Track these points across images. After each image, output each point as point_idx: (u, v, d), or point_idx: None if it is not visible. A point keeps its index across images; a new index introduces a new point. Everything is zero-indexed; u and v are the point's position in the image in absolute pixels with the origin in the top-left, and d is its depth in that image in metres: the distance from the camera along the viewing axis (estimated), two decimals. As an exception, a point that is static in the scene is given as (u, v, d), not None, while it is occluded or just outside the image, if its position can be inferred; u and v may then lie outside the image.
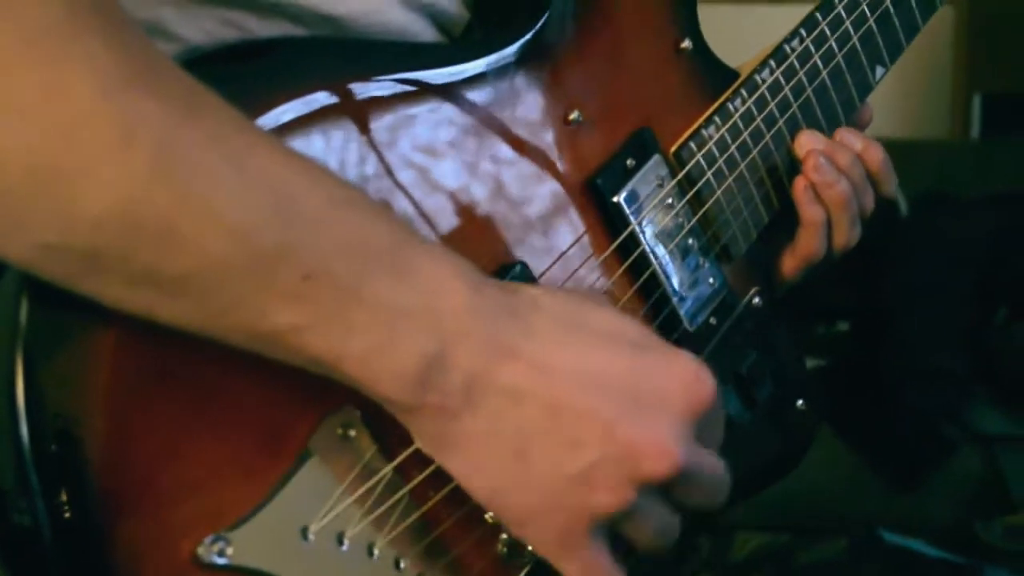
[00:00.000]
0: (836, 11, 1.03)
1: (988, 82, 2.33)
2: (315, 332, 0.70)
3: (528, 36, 0.89)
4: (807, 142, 1.01)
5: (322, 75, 0.80)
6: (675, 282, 0.95)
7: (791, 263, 1.03)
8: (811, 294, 1.08)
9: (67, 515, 0.71)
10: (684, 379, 0.78)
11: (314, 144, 0.78)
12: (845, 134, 1.03)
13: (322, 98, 0.79)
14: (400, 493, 0.80)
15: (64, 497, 0.71)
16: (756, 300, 1.02)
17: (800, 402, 1.06)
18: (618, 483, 0.75)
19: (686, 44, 0.98)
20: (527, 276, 0.87)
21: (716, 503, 0.81)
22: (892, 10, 1.06)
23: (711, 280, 0.98)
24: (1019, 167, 2.14)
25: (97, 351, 0.72)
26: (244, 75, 0.78)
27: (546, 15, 0.90)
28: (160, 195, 0.66)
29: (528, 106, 0.88)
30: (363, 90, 0.81)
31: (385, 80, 0.82)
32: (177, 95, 0.68)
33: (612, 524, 0.77)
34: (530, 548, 0.83)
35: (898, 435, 1.93)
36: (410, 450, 0.79)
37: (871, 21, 1.05)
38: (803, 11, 1.03)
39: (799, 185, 1.00)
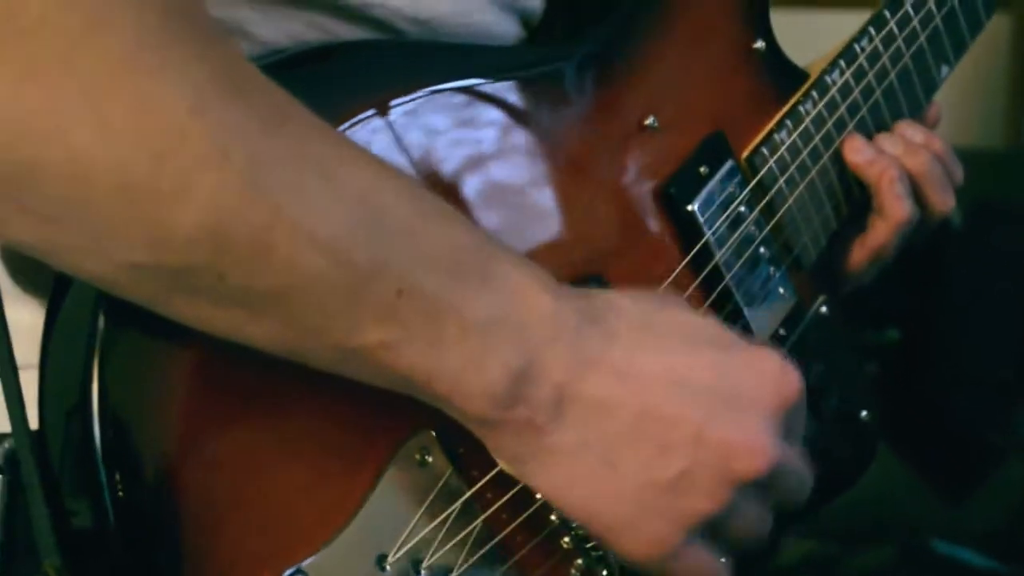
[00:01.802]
0: (904, 9, 1.01)
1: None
2: (407, 348, 0.69)
3: (603, 37, 0.87)
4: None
5: (395, 81, 0.79)
6: (746, 293, 0.94)
7: (861, 262, 1.02)
8: (862, 300, 1.06)
9: (139, 544, 0.70)
10: (771, 375, 0.76)
11: (388, 154, 0.76)
12: (906, 126, 1.01)
13: (395, 105, 0.77)
14: (478, 520, 0.79)
15: (133, 518, 0.70)
16: (823, 309, 1.00)
17: (864, 413, 1.04)
18: (713, 485, 0.74)
19: (759, 44, 0.95)
20: (603, 287, 0.84)
21: (803, 499, 0.80)
22: (957, 5, 1.05)
23: (781, 290, 0.96)
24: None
25: (176, 371, 0.71)
26: (318, 80, 0.77)
27: (620, 15, 0.88)
28: (253, 211, 0.64)
29: (603, 111, 0.87)
30: (435, 97, 0.79)
31: (456, 86, 0.80)
32: (267, 106, 0.66)
33: (708, 526, 0.76)
34: (604, 574, 0.83)
35: (947, 443, 1.91)
36: (493, 472, 0.78)
37: (938, 18, 1.03)
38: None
39: (884, 178, 0.98)
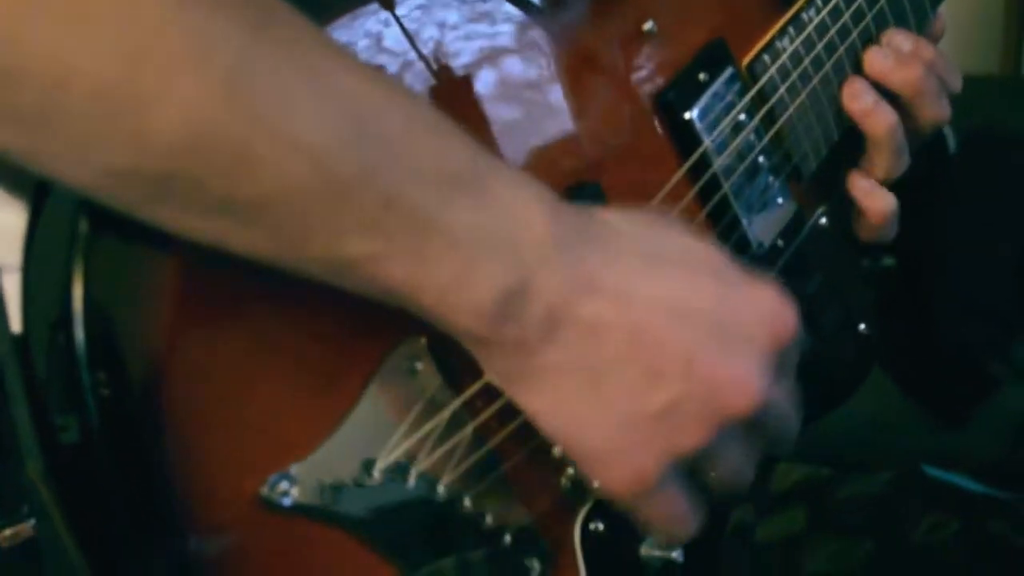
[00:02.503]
0: None
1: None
2: (393, 261, 0.67)
3: None
4: (871, 60, 0.97)
5: None
6: (745, 203, 0.92)
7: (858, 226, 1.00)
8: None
9: (123, 447, 0.68)
10: (769, 312, 0.75)
11: (377, 57, 0.75)
12: (894, 34, 0.98)
13: (382, 8, 0.75)
14: (466, 429, 0.78)
15: (118, 427, 0.68)
16: (823, 220, 0.99)
17: (862, 326, 1.03)
18: (699, 420, 0.72)
19: None
20: (598, 195, 0.83)
21: (788, 444, 0.78)
22: None
23: (780, 200, 0.95)
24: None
25: (160, 276, 0.69)
26: None
27: None
28: (236, 117, 0.62)
29: (602, 14, 0.84)
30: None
31: None
32: (252, 7, 0.63)
33: (690, 464, 0.74)
34: (596, 484, 0.80)
35: (943, 370, 1.90)
36: (479, 384, 0.77)
37: None
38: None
39: (880, 128, 0.96)
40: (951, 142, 1.98)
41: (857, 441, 1.77)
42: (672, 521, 0.76)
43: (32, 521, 0.74)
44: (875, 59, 0.97)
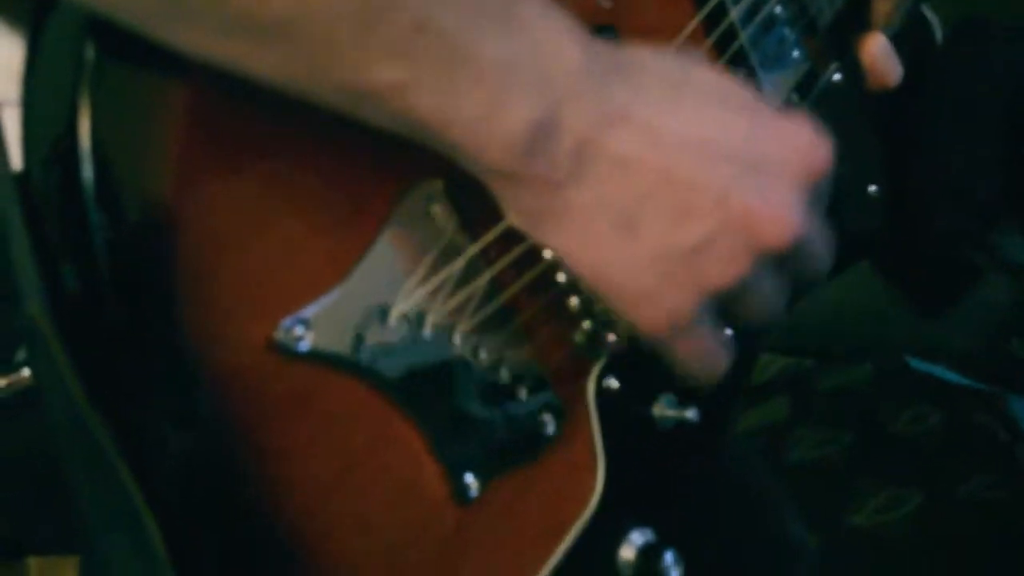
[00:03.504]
0: None
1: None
2: (422, 91, 0.67)
3: None
4: None
5: None
6: (760, 55, 0.93)
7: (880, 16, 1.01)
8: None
9: (132, 290, 0.68)
10: (802, 144, 0.76)
11: None
12: None
13: None
14: (482, 277, 0.78)
15: (125, 271, 0.68)
16: (836, 76, 1.01)
17: (873, 188, 1.05)
18: (733, 255, 0.73)
19: None
20: (613, 40, 0.83)
21: (821, 276, 0.79)
22: None
23: (795, 54, 0.96)
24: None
25: (172, 107, 0.68)
26: None
27: None
28: None
29: None
30: None
31: None
32: None
33: (723, 300, 0.75)
34: (609, 342, 0.82)
35: (925, 259, 1.93)
36: (497, 229, 0.77)
37: None
38: None
39: None
40: (938, 32, 2.00)
41: (839, 332, 1.80)
42: (704, 359, 0.77)
43: (27, 371, 0.74)
44: None
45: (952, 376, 1.76)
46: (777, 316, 0.78)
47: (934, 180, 1.99)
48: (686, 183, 0.72)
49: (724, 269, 0.73)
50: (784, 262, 0.75)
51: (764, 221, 0.73)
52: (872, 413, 1.71)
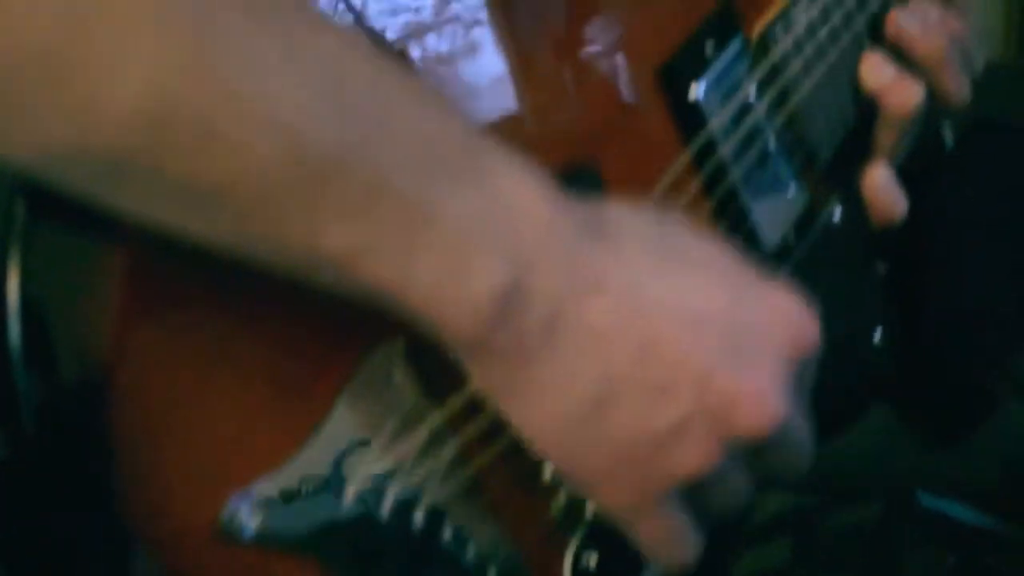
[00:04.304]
0: None
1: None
2: (377, 255, 0.65)
3: None
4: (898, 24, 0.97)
5: None
6: (754, 193, 0.91)
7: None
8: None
9: (62, 460, 0.67)
10: (788, 320, 0.74)
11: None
12: (920, 1, 0.99)
13: None
14: (449, 446, 0.76)
15: (56, 441, 0.67)
16: (836, 216, 0.99)
17: (877, 336, 1.03)
18: (709, 440, 0.71)
19: None
20: (595, 182, 0.82)
21: (800, 472, 0.77)
22: None
23: (791, 191, 0.94)
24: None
25: (107, 271, 0.68)
26: None
27: None
28: (199, 89, 0.60)
29: None
30: None
31: None
32: None
33: (691, 489, 0.73)
34: (588, 515, 0.81)
35: (938, 386, 1.91)
36: (463, 396, 0.75)
37: None
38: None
39: (901, 109, 0.96)
40: (948, 135, 2.00)
41: (846, 467, 1.77)
42: (672, 545, 0.75)
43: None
44: (901, 21, 0.97)
45: (966, 514, 1.74)
46: (741, 505, 0.76)
47: (946, 299, 1.98)
48: (665, 360, 0.70)
49: (696, 455, 0.71)
50: (761, 449, 0.73)
51: (745, 405, 0.71)
52: (882, 556, 1.68)
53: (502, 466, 0.79)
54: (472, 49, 0.77)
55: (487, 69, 0.78)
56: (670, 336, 0.70)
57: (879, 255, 1.08)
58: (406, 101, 0.67)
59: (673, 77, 0.87)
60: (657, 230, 0.73)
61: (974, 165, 2.02)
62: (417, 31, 0.75)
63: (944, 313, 1.96)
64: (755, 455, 0.73)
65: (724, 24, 0.89)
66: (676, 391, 0.70)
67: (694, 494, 0.74)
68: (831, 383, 0.83)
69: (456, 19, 0.76)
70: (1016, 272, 1.95)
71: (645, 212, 0.75)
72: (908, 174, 1.03)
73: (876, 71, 0.96)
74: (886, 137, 0.98)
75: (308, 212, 0.64)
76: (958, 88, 0.99)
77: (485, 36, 0.77)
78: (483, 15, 0.77)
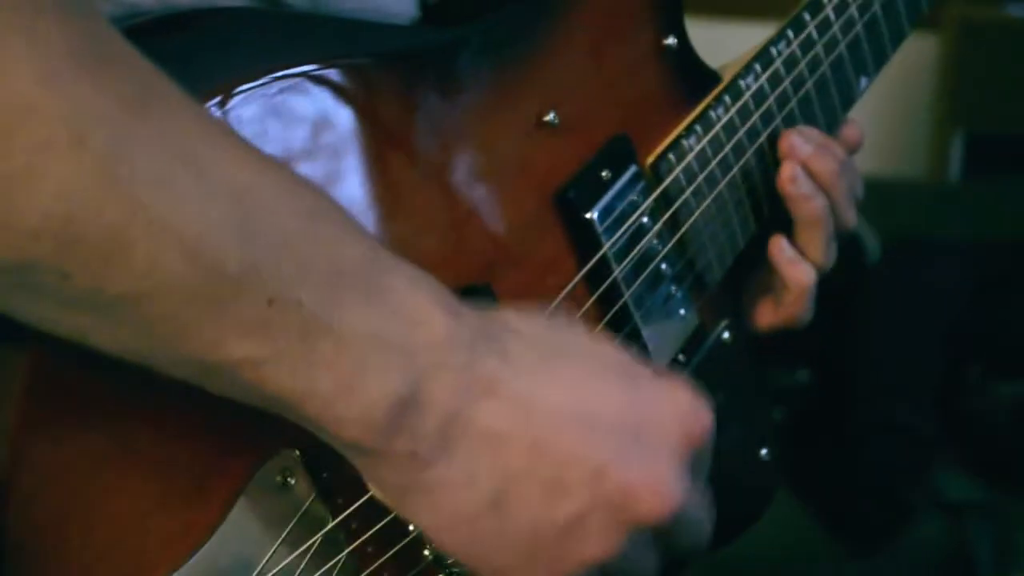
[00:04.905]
0: (824, 13, 1.02)
1: (971, 120, 2.35)
2: (276, 366, 0.67)
3: (503, 22, 0.87)
4: (792, 143, 1.00)
5: (258, 60, 0.76)
6: (646, 314, 0.94)
7: (768, 308, 1.03)
8: (770, 337, 1.07)
9: None
10: (681, 410, 0.77)
11: (261, 139, 0.74)
12: (808, 128, 1.02)
13: (246, 90, 0.75)
14: (343, 553, 0.78)
15: None
16: (725, 335, 1.02)
17: (764, 451, 1.06)
18: (608, 530, 0.74)
19: (670, 41, 0.96)
20: (490, 300, 0.84)
21: (700, 548, 0.80)
22: (880, 14, 1.06)
23: (682, 312, 0.97)
24: (1000, 212, 2.15)
25: (6, 375, 0.69)
26: (173, 53, 0.72)
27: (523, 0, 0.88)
28: (109, 204, 0.62)
29: (499, 103, 0.86)
30: (301, 82, 0.77)
31: (333, 68, 0.78)
32: (132, 83, 0.64)
33: (595, 573, 0.76)
34: None
35: (858, 498, 1.94)
36: (358, 503, 0.77)
37: (859, 25, 1.05)
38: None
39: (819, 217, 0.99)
40: (872, 251, 2.04)
41: (767, 572, 1.79)
42: None
43: None
44: (795, 143, 1.00)
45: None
46: None
47: (868, 412, 2.00)
48: (559, 458, 0.73)
49: (597, 544, 0.74)
50: (660, 536, 0.76)
51: (641, 494, 0.74)
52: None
53: (394, 570, 0.80)
54: (339, 179, 0.79)
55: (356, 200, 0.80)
56: (562, 434, 0.73)
57: (803, 364, 1.10)
58: (310, 218, 0.69)
59: (569, 201, 0.89)
60: (551, 333, 0.76)
61: (899, 282, 2.06)
62: (289, 158, 0.76)
63: (865, 426, 1.99)
64: (656, 538, 0.76)
65: (619, 153, 0.92)
66: (570, 486, 0.73)
67: (608, 571, 0.76)
68: (722, 491, 0.87)
69: (328, 147, 0.78)
70: (934, 389, 1.98)
71: (539, 317, 0.77)
72: (832, 289, 1.07)
73: (796, 181, 0.99)
74: (811, 239, 1.01)
75: (211, 324, 0.66)
76: (848, 212, 1.01)
77: (355, 165, 0.79)
78: (355, 145, 0.79)
